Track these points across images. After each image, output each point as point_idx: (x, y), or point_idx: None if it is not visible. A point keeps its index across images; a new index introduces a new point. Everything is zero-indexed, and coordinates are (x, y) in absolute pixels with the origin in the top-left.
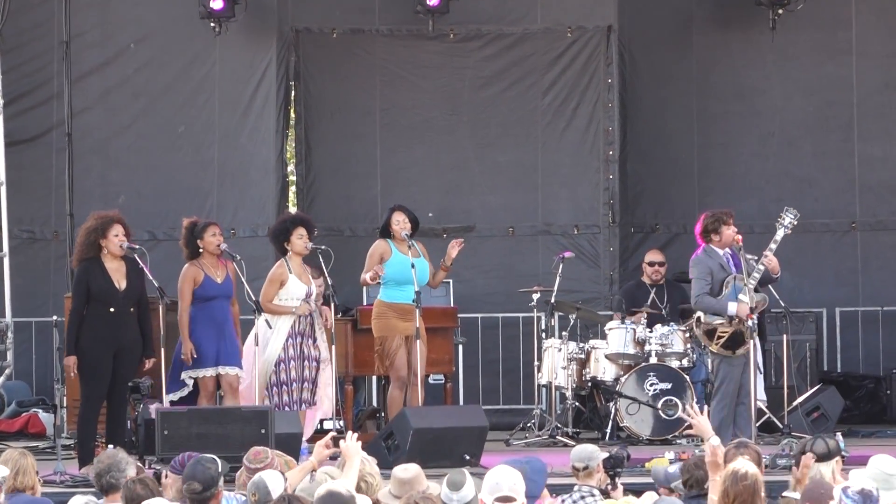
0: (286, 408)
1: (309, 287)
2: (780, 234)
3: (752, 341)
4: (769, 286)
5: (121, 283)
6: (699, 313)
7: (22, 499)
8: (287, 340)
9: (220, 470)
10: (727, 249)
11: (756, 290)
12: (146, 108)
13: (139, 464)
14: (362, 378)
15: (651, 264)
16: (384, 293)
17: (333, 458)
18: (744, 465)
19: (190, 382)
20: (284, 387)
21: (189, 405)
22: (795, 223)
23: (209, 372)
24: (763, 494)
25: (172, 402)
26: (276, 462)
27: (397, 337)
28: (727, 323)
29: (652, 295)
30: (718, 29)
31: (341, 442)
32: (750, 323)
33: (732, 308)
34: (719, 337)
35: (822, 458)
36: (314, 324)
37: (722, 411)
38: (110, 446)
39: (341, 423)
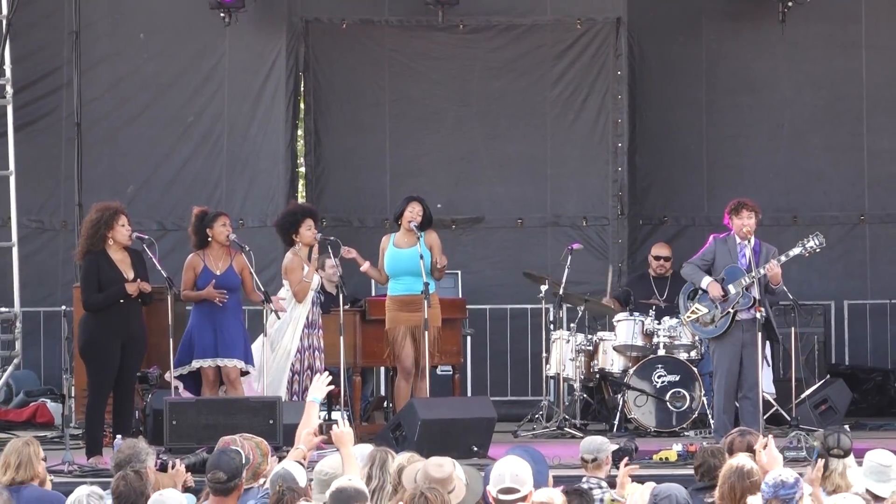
0: (295, 397)
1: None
2: (795, 251)
3: (759, 334)
4: (772, 293)
5: (128, 273)
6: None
7: (32, 492)
8: (303, 330)
9: (244, 461)
10: (745, 242)
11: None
12: (155, 99)
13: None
14: (370, 369)
15: (657, 258)
16: (389, 286)
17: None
18: (746, 460)
19: (195, 364)
20: (296, 376)
21: (195, 395)
22: (817, 251)
23: (208, 363)
24: None
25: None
26: (246, 447)
27: (401, 328)
28: (705, 306)
29: (654, 287)
30: (728, 21)
31: (334, 427)
32: (758, 316)
33: (705, 282)
34: (692, 312)
35: (846, 453)
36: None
37: (720, 402)
38: (118, 436)
39: (348, 413)
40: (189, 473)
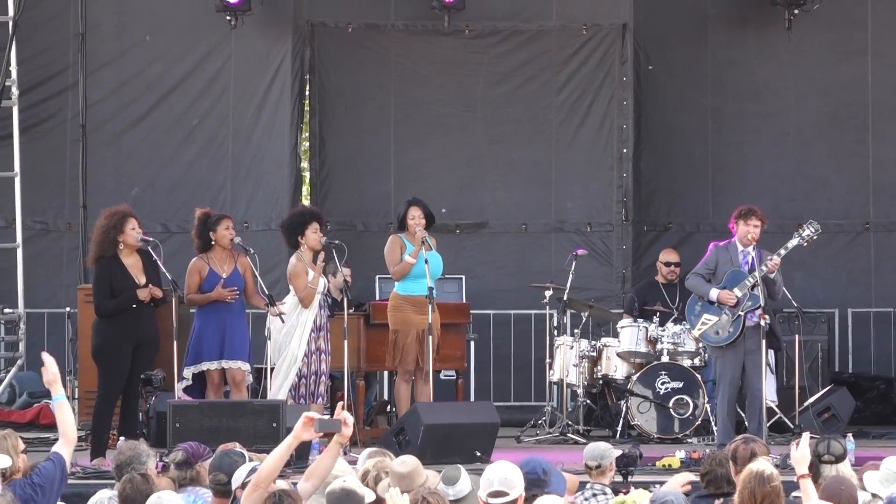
0: (302, 400)
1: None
2: (793, 241)
3: (763, 341)
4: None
5: (139, 278)
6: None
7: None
8: (311, 334)
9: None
10: (748, 249)
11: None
12: (160, 101)
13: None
14: (374, 373)
15: (668, 264)
16: (400, 286)
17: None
18: (766, 466)
19: (189, 376)
20: (303, 380)
21: (198, 398)
22: (815, 238)
23: (213, 365)
24: (783, 496)
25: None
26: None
27: (412, 331)
28: (713, 315)
29: (664, 294)
30: (734, 28)
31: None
32: (762, 323)
33: (714, 294)
34: (703, 324)
35: (839, 459)
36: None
37: (723, 409)
38: (121, 438)
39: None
40: (178, 471)
